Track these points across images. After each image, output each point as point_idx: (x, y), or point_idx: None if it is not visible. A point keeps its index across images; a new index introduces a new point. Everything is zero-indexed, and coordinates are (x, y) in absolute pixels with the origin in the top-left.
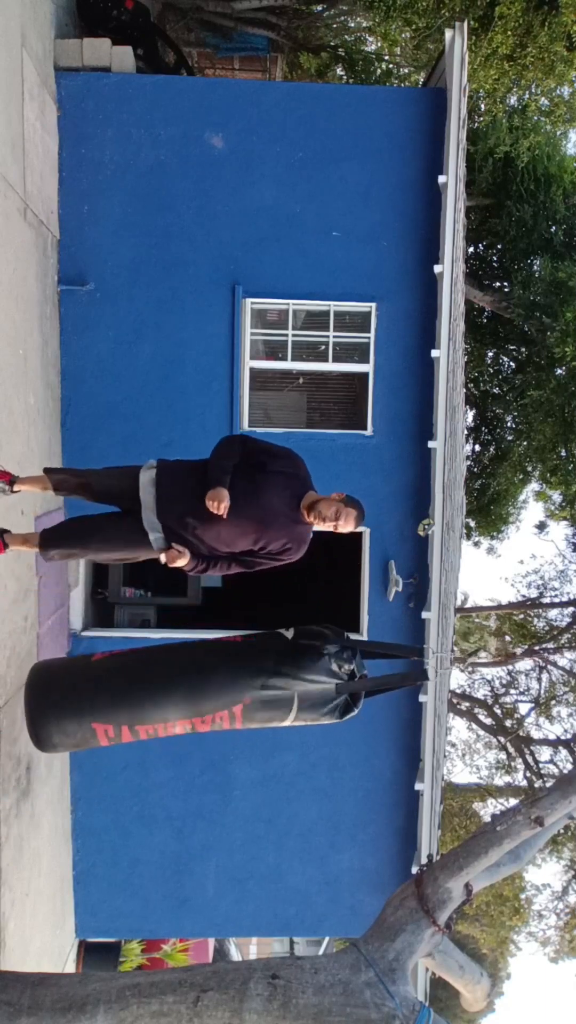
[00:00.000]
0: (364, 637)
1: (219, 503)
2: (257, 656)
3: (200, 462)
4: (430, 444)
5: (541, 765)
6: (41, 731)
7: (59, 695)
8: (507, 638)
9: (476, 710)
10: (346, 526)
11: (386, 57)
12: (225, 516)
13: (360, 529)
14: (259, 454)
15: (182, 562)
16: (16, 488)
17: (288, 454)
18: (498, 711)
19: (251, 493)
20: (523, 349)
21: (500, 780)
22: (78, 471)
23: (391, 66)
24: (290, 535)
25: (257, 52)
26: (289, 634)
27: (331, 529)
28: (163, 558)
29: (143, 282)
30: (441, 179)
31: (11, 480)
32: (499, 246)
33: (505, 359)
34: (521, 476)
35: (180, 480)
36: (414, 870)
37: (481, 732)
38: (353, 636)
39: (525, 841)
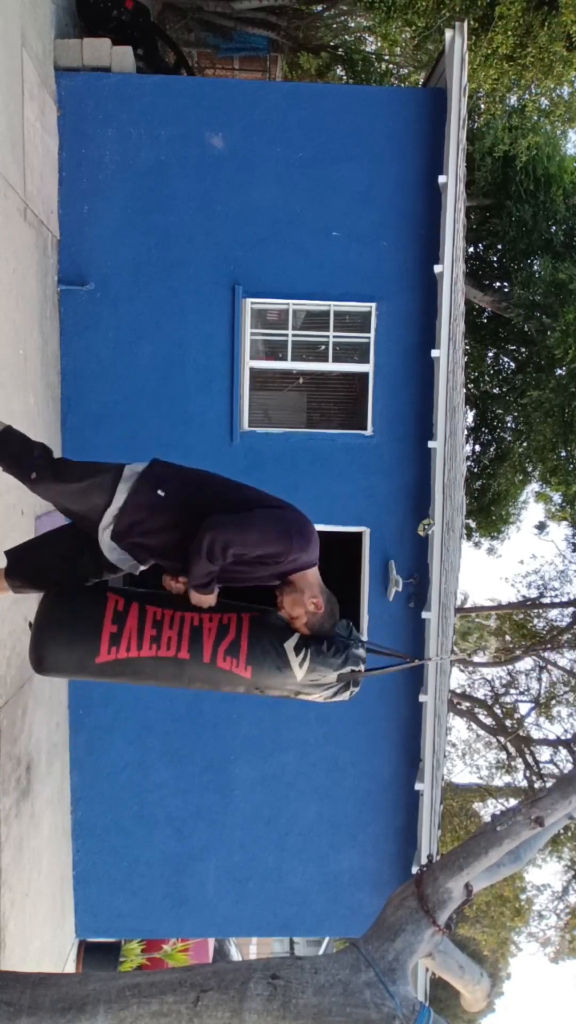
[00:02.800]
0: (363, 638)
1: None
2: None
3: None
4: (430, 444)
5: (541, 765)
6: (47, 614)
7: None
8: (507, 638)
9: (476, 710)
10: (296, 624)
11: (386, 57)
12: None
13: (361, 529)
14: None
15: (210, 599)
16: None
17: (293, 545)
18: (498, 711)
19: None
20: (523, 349)
21: (500, 780)
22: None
23: (391, 66)
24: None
25: (257, 52)
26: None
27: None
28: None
29: (143, 282)
30: (441, 179)
31: None
32: (499, 246)
33: (505, 359)
34: (521, 476)
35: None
36: (414, 870)
37: (481, 732)
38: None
39: (525, 841)
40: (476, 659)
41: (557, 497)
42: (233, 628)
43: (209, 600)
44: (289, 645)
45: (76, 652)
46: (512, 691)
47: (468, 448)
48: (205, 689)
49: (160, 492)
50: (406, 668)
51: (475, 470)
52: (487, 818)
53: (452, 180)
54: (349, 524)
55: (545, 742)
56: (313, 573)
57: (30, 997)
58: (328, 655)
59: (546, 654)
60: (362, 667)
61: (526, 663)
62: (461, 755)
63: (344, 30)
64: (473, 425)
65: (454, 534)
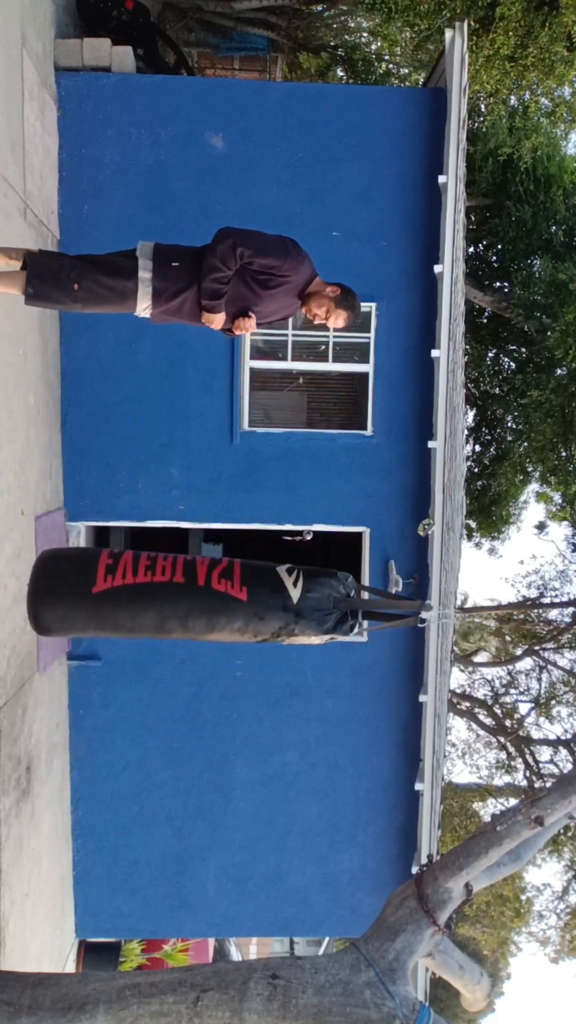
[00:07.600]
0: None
1: (215, 324)
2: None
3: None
4: (430, 444)
5: (541, 765)
6: (44, 563)
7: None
8: (507, 638)
9: (476, 710)
10: (336, 324)
11: (386, 57)
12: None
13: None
14: (258, 270)
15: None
16: None
17: (288, 261)
18: (498, 711)
19: (247, 300)
20: (523, 349)
21: (500, 780)
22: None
23: (391, 66)
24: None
25: (257, 52)
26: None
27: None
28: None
29: None
30: (441, 179)
31: None
32: (499, 246)
33: (505, 359)
34: (521, 476)
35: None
36: (414, 870)
37: (481, 732)
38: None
39: (525, 841)
40: (476, 659)
41: (557, 497)
42: (226, 560)
43: (219, 319)
44: (281, 568)
45: (73, 587)
46: (512, 691)
47: (468, 448)
48: (203, 635)
49: (174, 263)
50: (407, 623)
51: (475, 470)
52: (487, 818)
53: (452, 180)
54: (349, 524)
55: (545, 742)
56: (319, 280)
57: (30, 997)
58: (318, 577)
59: (546, 654)
60: (353, 624)
61: (526, 663)
62: (461, 755)
63: (344, 30)
64: (473, 425)
65: (454, 534)
